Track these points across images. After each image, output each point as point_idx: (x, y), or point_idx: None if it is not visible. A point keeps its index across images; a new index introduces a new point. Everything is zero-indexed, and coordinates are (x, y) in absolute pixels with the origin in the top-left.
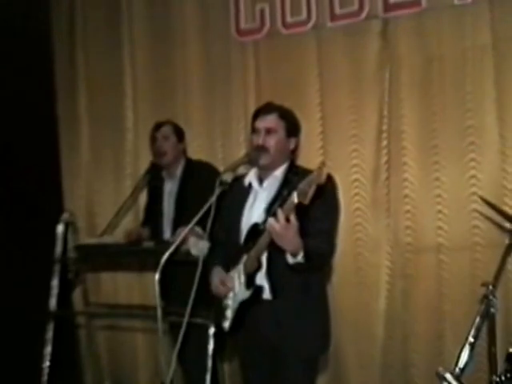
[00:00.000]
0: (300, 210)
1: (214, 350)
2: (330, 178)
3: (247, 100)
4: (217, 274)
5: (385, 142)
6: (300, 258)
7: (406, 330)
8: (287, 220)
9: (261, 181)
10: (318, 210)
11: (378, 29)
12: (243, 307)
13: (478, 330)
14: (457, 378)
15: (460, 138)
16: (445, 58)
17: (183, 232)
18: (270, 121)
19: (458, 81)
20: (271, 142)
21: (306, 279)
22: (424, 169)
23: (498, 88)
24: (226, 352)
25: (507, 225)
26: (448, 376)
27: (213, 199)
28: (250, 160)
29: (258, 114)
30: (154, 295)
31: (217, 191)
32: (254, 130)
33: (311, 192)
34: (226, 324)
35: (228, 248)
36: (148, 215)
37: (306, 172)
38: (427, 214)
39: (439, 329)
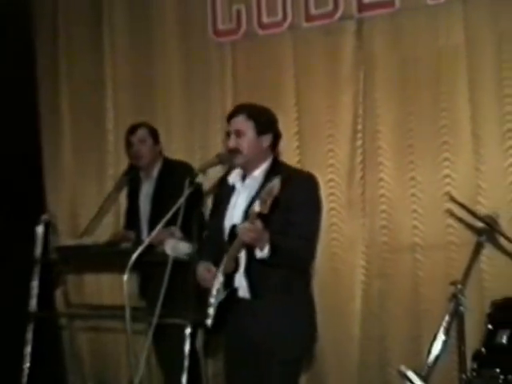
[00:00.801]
0: (279, 206)
1: (192, 349)
2: (312, 177)
3: (225, 101)
4: (202, 265)
5: (360, 142)
6: (265, 252)
7: (383, 330)
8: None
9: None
10: (298, 209)
11: (352, 29)
12: (222, 307)
13: (448, 329)
14: (420, 375)
15: (434, 138)
16: (419, 58)
17: (153, 233)
18: (238, 123)
19: (433, 80)
20: (242, 143)
21: (286, 279)
22: (399, 168)
23: (472, 87)
24: (210, 350)
25: (478, 224)
26: (410, 374)
27: (181, 200)
28: (221, 161)
29: (229, 116)
30: (134, 296)
31: (186, 192)
32: (227, 133)
33: (269, 201)
34: (209, 321)
35: (216, 247)
36: (129, 218)
37: (288, 170)
38: (402, 214)
39: (416, 328)
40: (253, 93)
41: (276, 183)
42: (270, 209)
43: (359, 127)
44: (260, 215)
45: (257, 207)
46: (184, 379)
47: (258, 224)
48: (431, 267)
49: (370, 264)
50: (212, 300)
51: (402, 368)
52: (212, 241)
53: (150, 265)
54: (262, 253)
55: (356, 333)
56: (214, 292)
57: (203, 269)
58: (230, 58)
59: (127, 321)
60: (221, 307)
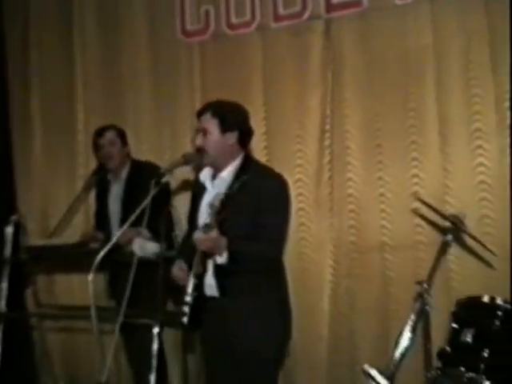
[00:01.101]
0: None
1: (160, 349)
2: (281, 178)
3: (193, 101)
4: (176, 264)
5: (328, 142)
6: (224, 259)
7: (352, 329)
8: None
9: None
10: (267, 210)
11: (320, 29)
12: (195, 306)
13: (414, 328)
14: (384, 374)
15: (402, 138)
16: (387, 58)
17: (118, 233)
18: (203, 121)
19: (400, 81)
20: (207, 142)
21: (255, 280)
22: (367, 168)
23: (439, 87)
24: (190, 347)
25: (444, 223)
26: (373, 372)
27: (147, 201)
28: (187, 161)
29: (197, 114)
30: (104, 296)
31: (152, 193)
32: (196, 131)
33: (215, 217)
34: (185, 319)
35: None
36: (99, 219)
37: (258, 169)
38: (371, 213)
39: (384, 327)
40: (221, 93)
41: (218, 199)
42: (218, 222)
43: (327, 127)
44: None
45: (206, 219)
46: (152, 378)
47: (212, 233)
48: (399, 267)
49: (339, 264)
50: (187, 298)
51: (366, 367)
52: (188, 240)
53: (119, 265)
54: (221, 259)
55: (325, 332)
56: (189, 290)
57: (177, 268)
58: (199, 59)
59: (93, 321)
60: (194, 306)
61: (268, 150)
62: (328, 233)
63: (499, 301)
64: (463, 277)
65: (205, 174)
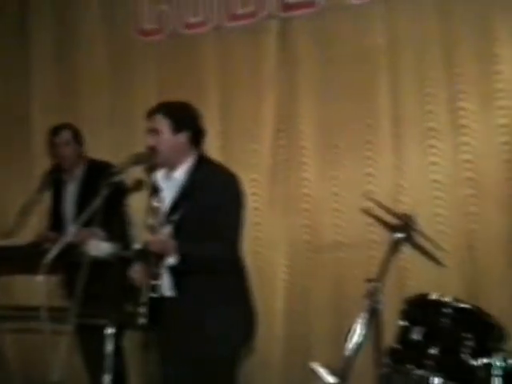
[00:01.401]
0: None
1: (118, 350)
2: (234, 177)
3: (149, 100)
4: (134, 264)
5: (283, 141)
6: (174, 260)
7: (307, 328)
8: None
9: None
10: (220, 209)
11: (276, 29)
12: (152, 306)
13: (365, 326)
14: (334, 372)
15: (356, 137)
16: (342, 58)
17: (68, 233)
18: (155, 121)
19: (355, 80)
20: (159, 142)
21: (211, 279)
22: (322, 167)
23: (393, 87)
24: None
25: (395, 222)
26: (320, 370)
27: (98, 201)
28: (139, 161)
29: (148, 114)
30: (60, 297)
31: (102, 193)
32: (147, 131)
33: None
34: (142, 320)
35: None
36: (54, 219)
37: (211, 168)
38: (325, 212)
39: (339, 325)
40: (177, 92)
41: (160, 202)
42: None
43: (282, 126)
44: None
45: (150, 220)
46: (107, 379)
47: (160, 236)
48: (353, 265)
49: (293, 263)
50: (143, 299)
51: (313, 365)
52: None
53: (75, 265)
54: (172, 260)
55: (280, 331)
56: (146, 291)
57: (134, 271)
58: (155, 58)
59: (45, 321)
60: (151, 306)
61: (224, 149)
62: (283, 232)
63: (447, 298)
64: (417, 275)
65: (159, 175)
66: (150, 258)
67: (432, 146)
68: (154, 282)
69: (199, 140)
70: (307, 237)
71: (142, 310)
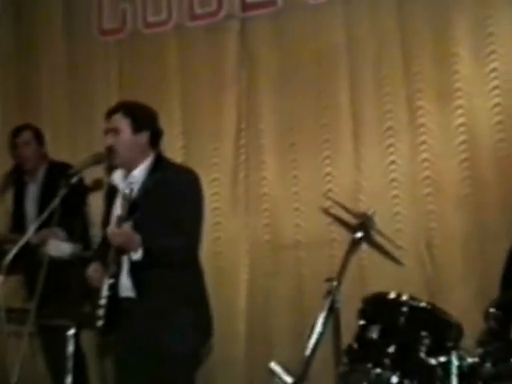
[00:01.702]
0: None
1: (78, 350)
2: (193, 174)
3: (110, 100)
4: (92, 265)
5: (243, 141)
6: (139, 255)
7: (268, 327)
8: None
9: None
10: (179, 206)
11: (236, 28)
12: (111, 308)
13: (325, 325)
14: (290, 371)
15: (316, 136)
16: (301, 58)
17: (27, 234)
18: (115, 121)
19: (314, 80)
20: (118, 141)
21: (170, 278)
22: (282, 167)
23: (352, 87)
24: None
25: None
26: (278, 370)
27: (56, 201)
28: (98, 161)
29: (107, 114)
30: (19, 298)
31: (61, 193)
32: (105, 131)
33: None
34: (100, 323)
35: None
36: (16, 220)
37: (170, 167)
38: (285, 212)
39: (300, 325)
40: (138, 92)
41: (131, 189)
42: (128, 212)
43: (243, 126)
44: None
45: (119, 211)
46: (68, 381)
47: (125, 228)
48: (314, 264)
49: (254, 262)
50: (101, 301)
51: (272, 365)
52: (103, 242)
53: (35, 266)
54: (136, 255)
55: (241, 331)
56: (104, 293)
57: (92, 269)
58: (116, 57)
59: (2, 323)
60: (109, 308)
61: (185, 149)
62: (243, 231)
63: (405, 297)
64: (377, 273)
65: (116, 176)
66: (111, 252)
67: (391, 146)
68: (112, 281)
69: (157, 140)
70: (268, 236)
71: (100, 312)
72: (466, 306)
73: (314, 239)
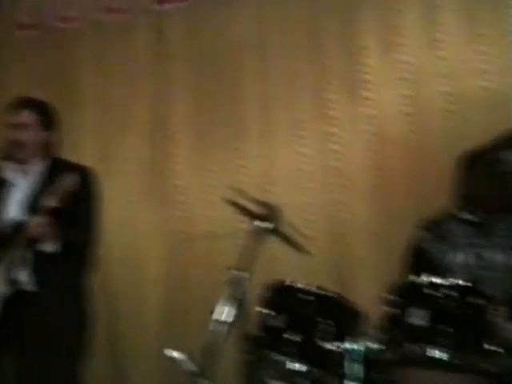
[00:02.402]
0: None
1: None
2: (90, 170)
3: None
4: None
5: (158, 134)
6: (55, 247)
7: (184, 318)
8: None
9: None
10: (81, 203)
11: (151, 22)
12: (8, 302)
13: (229, 313)
14: (192, 356)
15: (227, 128)
16: (214, 50)
17: None
18: (24, 116)
19: (226, 71)
20: (26, 136)
21: (68, 271)
22: (195, 159)
23: (263, 79)
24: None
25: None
26: (177, 355)
27: None
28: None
29: (13, 108)
30: None
31: None
32: (9, 125)
33: (62, 196)
34: None
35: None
36: None
37: (69, 166)
38: (199, 203)
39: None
40: (51, 87)
41: (69, 179)
42: (64, 203)
43: (157, 119)
44: (52, 210)
45: (49, 202)
46: None
47: (47, 219)
48: (226, 255)
49: (169, 254)
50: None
51: (167, 352)
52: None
53: None
54: (52, 247)
55: (158, 322)
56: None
57: None
58: (29, 53)
59: None
60: (6, 302)
61: (101, 143)
62: (158, 223)
63: (305, 285)
64: (286, 263)
65: (10, 170)
66: (18, 242)
67: (301, 137)
68: (13, 275)
69: (58, 138)
70: (182, 227)
71: None
72: (375, 294)
73: (226, 230)
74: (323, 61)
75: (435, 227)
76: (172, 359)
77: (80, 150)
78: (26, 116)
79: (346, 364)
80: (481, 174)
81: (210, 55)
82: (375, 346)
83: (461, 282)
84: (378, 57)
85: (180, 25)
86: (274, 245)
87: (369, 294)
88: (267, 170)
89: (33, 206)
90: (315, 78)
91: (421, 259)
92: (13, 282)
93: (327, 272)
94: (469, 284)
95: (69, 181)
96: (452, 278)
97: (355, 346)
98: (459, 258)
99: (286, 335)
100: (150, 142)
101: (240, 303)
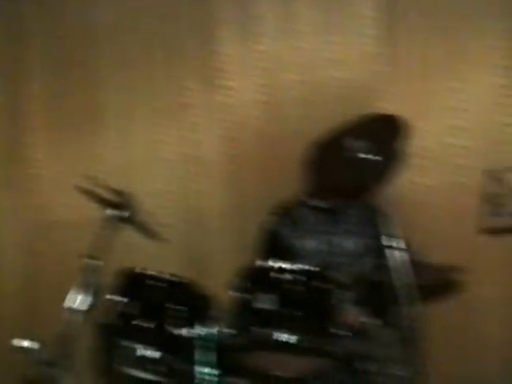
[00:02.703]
0: None
1: None
2: None
3: None
4: None
5: (13, 122)
6: None
7: (40, 308)
8: None
9: None
10: None
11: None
12: None
13: (81, 302)
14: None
15: (85, 115)
16: (71, 36)
17: None
18: None
19: (87, 61)
20: None
21: None
22: (51, 147)
23: (123, 68)
24: None
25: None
26: (28, 344)
27: None
28: None
29: None
30: None
31: None
32: None
33: None
34: None
35: None
36: None
37: None
38: (55, 192)
39: None
40: None
41: None
42: None
43: (11, 106)
44: None
45: None
46: None
47: None
48: (82, 243)
49: (24, 242)
50: None
51: (15, 342)
52: None
53: None
54: None
55: (14, 315)
56: None
57: None
58: None
59: None
60: None
61: None
62: (13, 211)
63: (156, 272)
64: (142, 251)
65: None
66: None
67: (159, 125)
68: None
69: None
70: (38, 216)
71: None
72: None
73: (83, 218)
74: (181, 48)
75: (287, 213)
76: (22, 349)
77: None
78: None
79: (198, 350)
80: (329, 161)
81: (66, 39)
82: (226, 331)
83: (308, 267)
84: (235, 46)
85: (35, 7)
86: (131, 233)
87: (224, 281)
88: (125, 159)
89: None
90: (174, 67)
91: (272, 244)
92: None
93: (184, 259)
94: (316, 269)
95: None
96: (302, 263)
97: (206, 332)
98: (311, 244)
99: (137, 322)
100: (5, 129)
101: (94, 291)
